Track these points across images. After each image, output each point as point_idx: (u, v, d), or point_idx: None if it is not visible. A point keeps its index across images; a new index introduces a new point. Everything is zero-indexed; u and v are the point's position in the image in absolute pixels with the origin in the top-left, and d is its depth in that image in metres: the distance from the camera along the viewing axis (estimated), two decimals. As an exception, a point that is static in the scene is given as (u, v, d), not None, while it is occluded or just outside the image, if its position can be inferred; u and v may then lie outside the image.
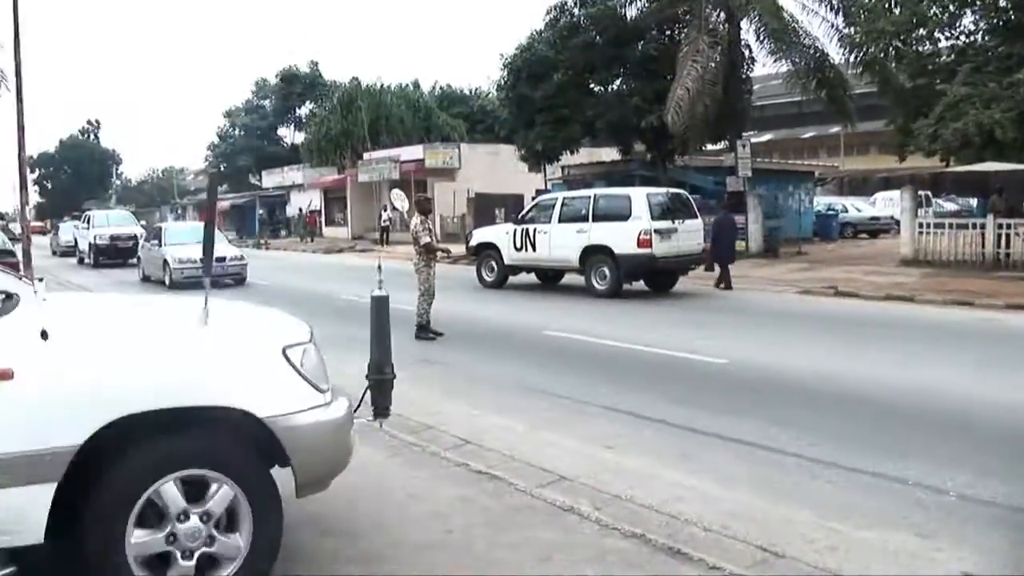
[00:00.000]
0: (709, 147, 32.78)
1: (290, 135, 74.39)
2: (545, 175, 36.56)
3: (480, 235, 23.29)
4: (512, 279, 21.68)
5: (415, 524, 5.58)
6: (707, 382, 10.24)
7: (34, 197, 59.06)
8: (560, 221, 20.32)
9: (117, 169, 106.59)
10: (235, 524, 4.28)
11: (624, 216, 19.12)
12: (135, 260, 29.20)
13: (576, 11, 31.31)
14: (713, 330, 14.35)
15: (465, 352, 12.69)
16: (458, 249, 24.06)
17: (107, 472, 3.99)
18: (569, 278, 21.23)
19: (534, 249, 20.69)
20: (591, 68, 31.09)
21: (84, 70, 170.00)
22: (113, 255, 34.30)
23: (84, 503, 3.95)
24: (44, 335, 3.97)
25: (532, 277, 22.06)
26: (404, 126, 53.99)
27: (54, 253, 46.86)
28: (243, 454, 4.37)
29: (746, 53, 29.73)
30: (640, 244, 18.60)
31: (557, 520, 5.65)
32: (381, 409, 5.49)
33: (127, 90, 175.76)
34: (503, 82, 33.74)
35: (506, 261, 21.48)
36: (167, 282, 23.78)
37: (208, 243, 5.02)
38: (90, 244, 35.86)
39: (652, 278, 20.09)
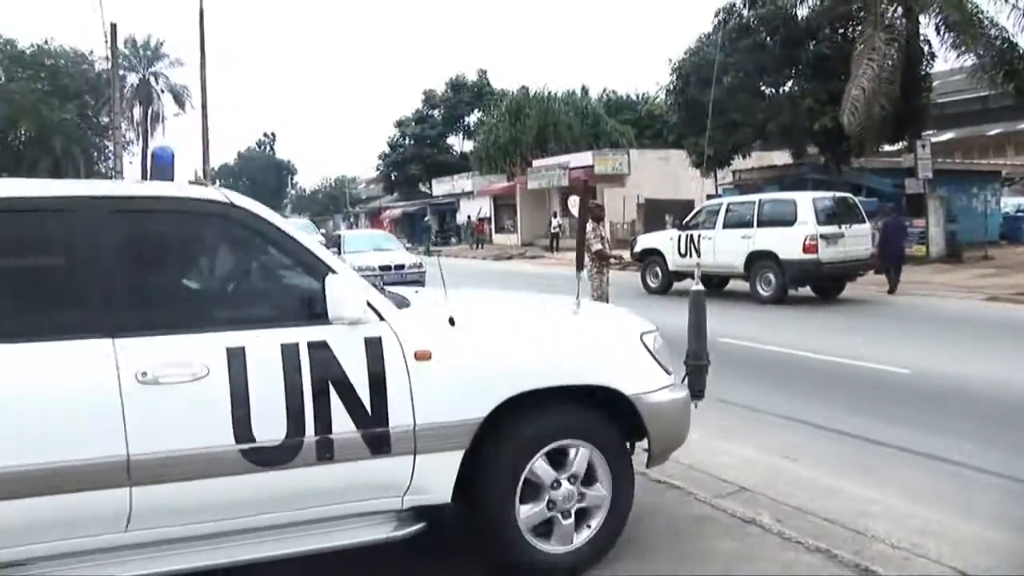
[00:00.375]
0: (886, 148, 31.69)
1: (459, 143, 75.73)
2: (716, 180, 36.09)
3: (644, 241, 23.42)
4: (676, 285, 21.48)
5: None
6: (886, 391, 9.91)
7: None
8: (724, 227, 20.19)
9: (292, 179, 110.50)
10: (594, 477, 4.87)
11: (789, 221, 18.92)
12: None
13: (745, 12, 30.76)
14: (890, 337, 13.89)
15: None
16: (628, 255, 24.07)
17: (501, 441, 4.60)
18: (733, 284, 20.99)
19: (699, 255, 20.47)
20: (761, 70, 30.50)
21: (261, 84, 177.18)
22: None
23: (479, 469, 4.56)
24: (452, 322, 4.58)
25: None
26: (572, 133, 54.20)
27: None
28: (607, 428, 4.96)
29: (925, 49, 28.56)
30: (806, 249, 18.32)
31: (739, 531, 5.56)
32: (697, 392, 5.96)
33: (301, 102, 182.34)
34: (672, 86, 33.40)
35: (670, 267, 21.50)
36: None
37: (580, 243, 6.18)
38: None
39: (818, 284, 19.67)
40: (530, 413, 4.66)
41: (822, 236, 18.39)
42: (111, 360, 3.91)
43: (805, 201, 19.18)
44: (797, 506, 6.07)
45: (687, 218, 22.24)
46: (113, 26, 30.22)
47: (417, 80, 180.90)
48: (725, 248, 19.87)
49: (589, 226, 13.97)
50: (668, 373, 5.20)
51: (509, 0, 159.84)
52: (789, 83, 31.09)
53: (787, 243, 18.60)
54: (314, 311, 4.29)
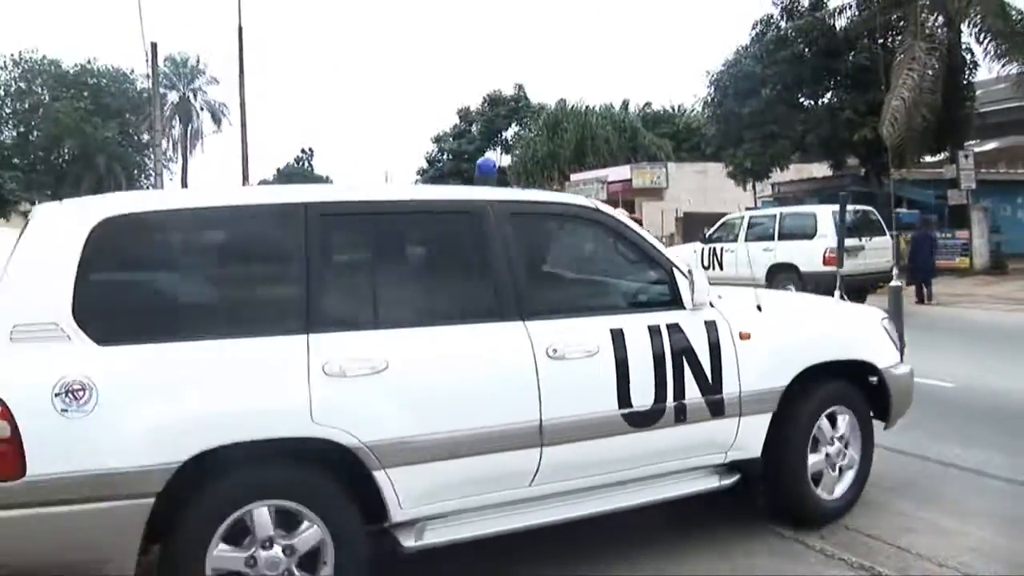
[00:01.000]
0: (928, 159, 31.32)
1: (497, 158, 75.74)
2: (755, 193, 35.85)
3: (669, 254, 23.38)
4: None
5: (630, 544, 5.55)
6: (930, 405, 9.60)
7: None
8: (747, 240, 20.39)
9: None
10: (847, 443, 5.94)
11: (810, 234, 19.22)
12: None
13: (783, 24, 30.66)
14: (928, 349, 13.51)
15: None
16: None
17: (798, 404, 5.61)
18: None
19: (721, 267, 20.87)
20: (800, 82, 30.32)
21: (297, 100, 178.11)
22: None
23: (776, 429, 5.55)
24: (759, 308, 5.61)
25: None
26: (610, 147, 54.04)
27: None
28: (861, 396, 6.05)
29: (967, 57, 28.22)
30: (826, 262, 18.33)
31: (780, 548, 5.50)
32: None
33: (339, 117, 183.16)
34: (709, 99, 33.34)
35: None
36: None
37: (840, 244, 8.61)
38: None
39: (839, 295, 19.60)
40: (815, 382, 5.68)
41: None
42: (526, 339, 4.73)
43: (825, 214, 19.44)
44: (841, 522, 5.92)
45: (710, 231, 22.37)
46: (154, 45, 30.56)
47: (455, 94, 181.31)
48: (747, 260, 19.92)
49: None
50: (898, 351, 6.35)
51: (545, 15, 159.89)
52: (828, 94, 30.90)
53: (807, 255, 18.89)
54: (663, 299, 5.36)
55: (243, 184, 26.26)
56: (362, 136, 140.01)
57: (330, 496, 4.32)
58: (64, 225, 4.18)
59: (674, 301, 5.30)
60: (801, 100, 31.42)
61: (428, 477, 4.45)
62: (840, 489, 5.90)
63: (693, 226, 38.36)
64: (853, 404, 5.95)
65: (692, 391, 5.16)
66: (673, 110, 63.97)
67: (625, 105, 60.58)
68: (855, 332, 6.22)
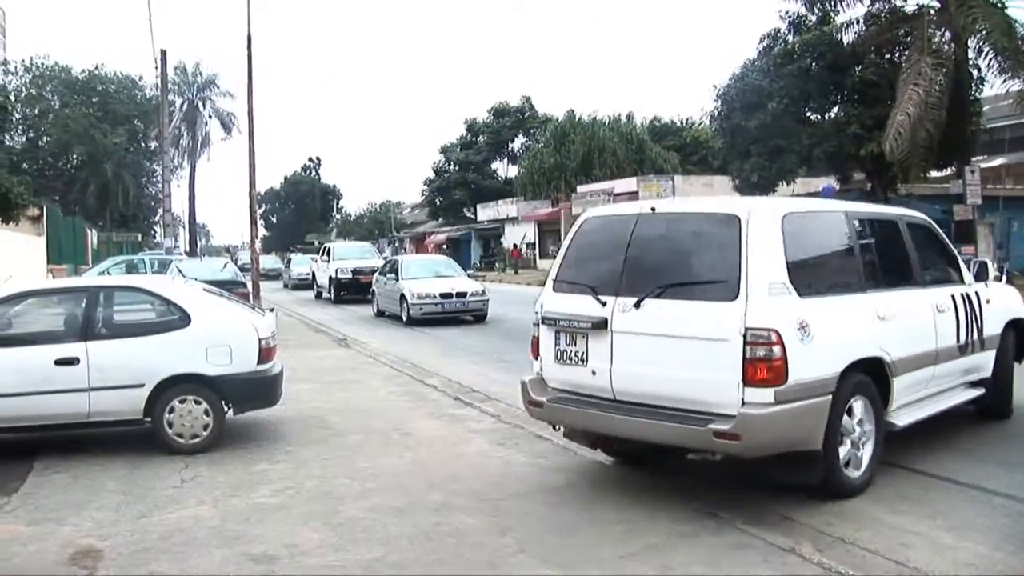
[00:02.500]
0: (936, 174, 31.25)
1: (503, 169, 75.78)
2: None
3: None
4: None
5: (631, 559, 5.57)
6: (929, 419, 9.65)
7: (261, 231, 61.97)
8: None
9: (337, 203, 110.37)
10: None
11: None
12: (371, 295, 26.93)
13: (790, 38, 30.67)
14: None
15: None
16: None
17: (1005, 343, 9.16)
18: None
19: None
20: (806, 96, 30.32)
21: (306, 109, 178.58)
22: (354, 290, 31.03)
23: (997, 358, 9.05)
24: (986, 284, 9.01)
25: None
26: (617, 159, 54.05)
27: (286, 286, 45.60)
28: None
29: (974, 73, 28.23)
30: None
31: (777, 560, 5.51)
32: None
33: (347, 127, 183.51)
34: (716, 112, 33.35)
35: None
36: (404, 318, 22.45)
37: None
38: (330, 278, 32.78)
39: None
40: (1008, 331, 9.21)
41: None
42: (927, 299, 7.88)
43: None
44: (839, 536, 5.97)
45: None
46: (163, 52, 30.71)
47: (463, 105, 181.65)
48: None
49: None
50: None
51: (552, 28, 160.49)
52: (835, 109, 30.88)
53: None
54: (955, 277, 8.64)
55: (250, 191, 26.25)
56: (369, 146, 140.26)
57: (874, 391, 6.97)
58: (768, 219, 6.52)
59: (960, 279, 8.67)
60: (808, 114, 31.45)
61: (904, 382, 7.25)
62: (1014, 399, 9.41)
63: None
64: (1013, 345, 9.39)
65: (975, 333, 8.37)
66: (680, 123, 64.03)
67: (630, 117, 60.63)
68: (1019, 300, 9.70)
